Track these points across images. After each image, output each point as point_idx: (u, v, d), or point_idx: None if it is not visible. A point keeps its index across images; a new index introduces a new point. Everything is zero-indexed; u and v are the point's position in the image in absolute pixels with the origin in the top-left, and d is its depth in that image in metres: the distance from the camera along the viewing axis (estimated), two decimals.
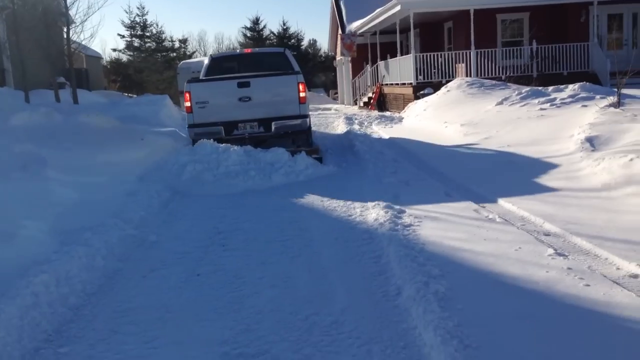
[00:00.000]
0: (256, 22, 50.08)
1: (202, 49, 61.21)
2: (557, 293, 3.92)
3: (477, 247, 4.94)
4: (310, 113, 10.94)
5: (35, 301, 4.01)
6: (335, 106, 28.84)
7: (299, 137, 9.90)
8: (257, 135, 9.41)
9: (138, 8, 52.57)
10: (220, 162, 8.74)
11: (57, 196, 6.94)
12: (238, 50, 11.85)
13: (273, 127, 9.27)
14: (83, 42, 21.16)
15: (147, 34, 40.21)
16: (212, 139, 9.24)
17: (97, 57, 34.89)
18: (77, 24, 19.39)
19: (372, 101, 24.28)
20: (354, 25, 27.63)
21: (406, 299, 4.00)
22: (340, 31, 29.82)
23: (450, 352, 3.15)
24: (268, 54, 11.93)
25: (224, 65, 11.22)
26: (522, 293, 3.99)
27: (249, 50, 11.85)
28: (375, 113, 20.57)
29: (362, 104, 26.47)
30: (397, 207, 6.42)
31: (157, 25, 46.62)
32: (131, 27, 40.23)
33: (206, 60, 11.75)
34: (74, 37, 18.90)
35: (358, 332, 3.63)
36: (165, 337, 3.73)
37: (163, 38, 41.33)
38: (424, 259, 4.68)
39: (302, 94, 9.30)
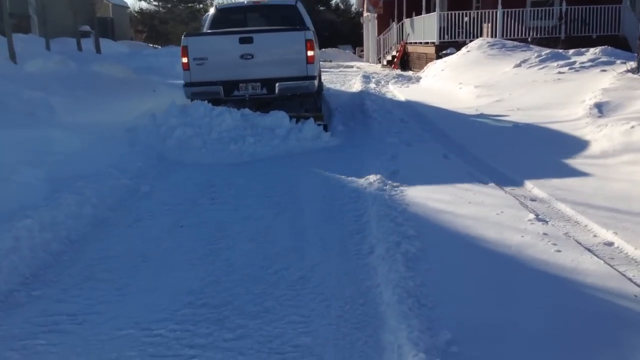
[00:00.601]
0: None
1: (233, 0, 60.23)
2: (526, 258, 3.91)
3: (460, 210, 4.93)
4: (329, 70, 10.53)
5: (16, 245, 4.14)
6: (358, 64, 28.54)
7: (306, 101, 9.13)
8: (260, 97, 8.65)
9: None
10: (213, 127, 7.93)
11: (59, 144, 7.07)
12: (246, 1, 10.80)
13: (277, 89, 8.48)
14: None
15: None
16: (208, 100, 8.49)
17: (123, 7, 34.87)
18: None
19: (395, 60, 23.93)
20: None
21: (376, 257, 4.03)
22: None
23: (403, 310, 3.19)
24: (278, 7, 10.94)
25: (230, 17, 10.37)
26: (492, 256, 4.00)
27: (258, 2, 10.86)
28: (394, 72, 20.31)
29: (385, 63, 26.10)
30: (392, 167, 6.41)
31: None
32: None
33: (211, 11, 10.98)
34: None
35: (322, 288, 3.69)
36: (136, 285, 3.85)
37: None
38: (403, 220, 4.70)
39: (309, 53, 8.46)
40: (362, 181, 6.01)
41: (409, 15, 23.64)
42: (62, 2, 19.94)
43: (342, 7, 56.37)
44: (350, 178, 6.25)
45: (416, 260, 3.93)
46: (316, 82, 8.70)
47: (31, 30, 21.25)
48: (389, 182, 5.82)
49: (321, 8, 55.16)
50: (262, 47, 8.46)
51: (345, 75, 19.68)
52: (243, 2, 10.70)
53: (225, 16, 10.34)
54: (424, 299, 3.38)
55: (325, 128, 8.40)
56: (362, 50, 37.73)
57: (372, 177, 5.95)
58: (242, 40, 8.41)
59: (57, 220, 4.73)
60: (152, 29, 37.26)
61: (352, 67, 25.67)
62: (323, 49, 38.61)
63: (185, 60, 8.47)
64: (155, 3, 40.26)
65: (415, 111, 10.55)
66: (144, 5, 41.35)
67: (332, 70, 22.61)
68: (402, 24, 24.88)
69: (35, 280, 3.93)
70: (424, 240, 4.27)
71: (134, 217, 5.20)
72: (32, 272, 4.02)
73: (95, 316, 3.43)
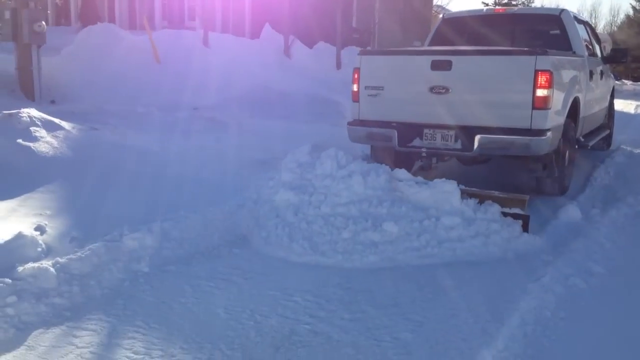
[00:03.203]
0: None
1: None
2: None
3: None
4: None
5: (236, 212, 5.09)
6: None
7: (533, 167, 6.09)
8: (448, 153, 5.99)
9: None
10: (329, 195, 5.06)
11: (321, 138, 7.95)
12: (485, 10, 8.16)
13: (476, 143, 5.65)
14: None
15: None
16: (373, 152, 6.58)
17: None
18: None
19: None
20: None
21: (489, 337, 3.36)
22: None
23: None
24: (532, 17, 7.86)
25: (461, 31, 7.62)
26: None
27: (501, 10, 7.94)
28: None
29: None
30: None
31: None
32: None
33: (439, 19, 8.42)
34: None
35: (421, 334, 3.35)
36: (307, 264, 4.40)
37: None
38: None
39: (541, 93, 5.41)
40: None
41: None
42: (397, 20, 21.80)
43: None
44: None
45: (535, 336, 3.31)
46: (549, 138, 5.60)
47: (370, 44, 23.82)
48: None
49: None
50: (464, 77, 5.73)
51: None
52: (481, 10, 8.12)
53: (454, 29, 7.74)
54: None
55: (525, 224, 4.92)
56: None
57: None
58: (436, 65, 5.79)
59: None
60: None
61: None
62: None
63: (355, 87, 6.22)
64: None
65: None
66: None
67: None
68: None
69: (242, 241, 4.84)
70: (570, 321, 3.51)
71: None
72: (244, 233, 4.93)
73: (260, 277, 4.15)
